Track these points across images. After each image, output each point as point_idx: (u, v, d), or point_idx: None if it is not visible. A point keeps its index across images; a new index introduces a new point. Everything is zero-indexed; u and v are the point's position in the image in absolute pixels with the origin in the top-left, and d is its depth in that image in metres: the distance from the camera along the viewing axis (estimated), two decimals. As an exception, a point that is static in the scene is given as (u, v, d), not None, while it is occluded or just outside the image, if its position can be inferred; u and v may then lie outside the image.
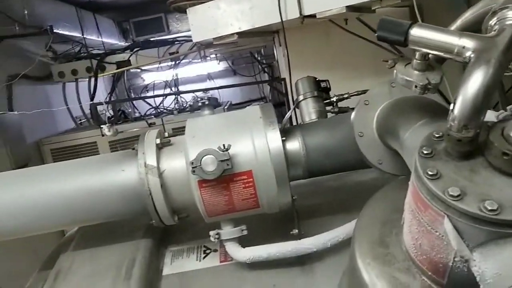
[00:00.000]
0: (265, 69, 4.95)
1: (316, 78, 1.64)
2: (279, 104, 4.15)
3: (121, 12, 5.14)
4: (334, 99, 1.72)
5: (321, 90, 1.61)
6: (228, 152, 0.88)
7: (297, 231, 0.98)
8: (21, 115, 3.43)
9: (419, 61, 0.62)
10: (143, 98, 4.42)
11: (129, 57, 4.17)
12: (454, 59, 0.57)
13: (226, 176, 0.90)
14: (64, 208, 1.00)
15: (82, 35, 4.16)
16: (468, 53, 0.55)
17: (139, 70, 4.86)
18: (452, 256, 0.54)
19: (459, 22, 0.72)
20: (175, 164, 0.95)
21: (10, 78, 3.51)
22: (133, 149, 0.98)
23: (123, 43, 5.14)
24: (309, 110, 1.54)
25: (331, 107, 1.69)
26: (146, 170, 0.93)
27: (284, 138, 0.93)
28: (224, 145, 0.88)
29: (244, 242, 1.02)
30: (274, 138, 0.92)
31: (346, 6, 1.97)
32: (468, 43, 0.55)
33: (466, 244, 0.52)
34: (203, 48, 3.14)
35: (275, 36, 2.84)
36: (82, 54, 4.23)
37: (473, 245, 0.52)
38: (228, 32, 2.33)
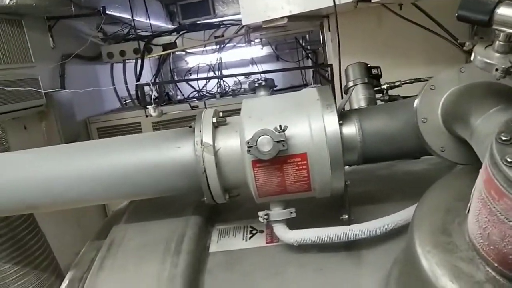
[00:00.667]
0: (309, 55, 4.89)
1: (367, 64, 1.60)
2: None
3: (169, -5, 5.21)
4: (385, 86, 1.68)
5: (372, 77, 1.57)
6: (285, 133, 0.87)
7: (347, 216, 0.97)
8: (72, 93, 3.58)
9: (502, 43, 0.59)
10: (187, 81, 4.49)
11: (175, 40, 4.23)
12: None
13: (281, 157, 0.90)
14: (120, 181, 1.03)
15: (132, 17, 4.25)
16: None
17: (183, 53, 4.93)
18: (528, 248, 0.51)
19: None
20: (230, 143, 0.96)
21: (64, 57, 3.66)
22: (190, 126, 1.00)
23: (170, 26, 5.21)
24: (358, 97, 1.51)
25: (381, 94, 1.65)
26: (202, 148, 0.94)
27: (341, 122, 0.91)
28: (280, 126, 0.88)
29: (291, 225, 1.02)
30: (331, 121, 0.90)
31: (405, -10, 1.91)
32: None
33: (545, 235, 0.49)
34: (250, 32, 3.13)
35: (324, 20, 2.79)
36: (130, 36, 4.33)
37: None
38: (279, 15, 2.31)
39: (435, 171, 1.18)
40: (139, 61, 4.23)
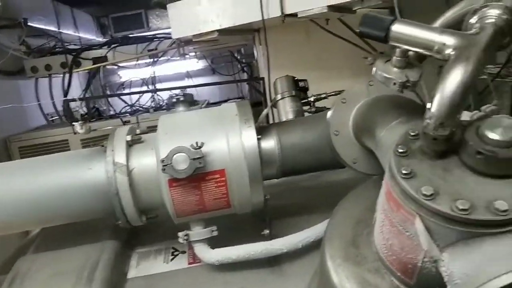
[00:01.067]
0: (244, 68, 4.93)
1: (294, 77, 1.62)
2: (257, 104, 4.14)
3: (100, 7, 5.03)
4: (312, 99, 1.71)
5: (299, 90, 1.60)
6: (201, 150, 0.85)
7: (268, 231, 0.96)
8: (-12, 110, 3.30)
9: (398, 58, 0.61)
10: (119, 95, 4.33)
11: (106, 53, 4.08)
12: (434, 56, 0.56)
13: (198, 175, 0.87)
14: (28, 207, 0.95)
15: (58, 29, 4.05)
16: (448, 51, 0.54)
17: (115, 67, 4.76)
18: (421, 257, 0.52)
19: (440, 21, 0.71)
20: (146, 162, 0.91)
21: (-21, 72, 3.38)
22: (103, 146, 0.94)
23: (101, 39, 5.03)
24: (286, 110, 1.52)
25: (309, 107, 1.68)
26: (115, 168, 0.89)
27: (259, 137, 0.91)
28: (197, 142, 0.85)
29: (214, 243, 0.99)
30: (249, 136, 0.89)
31: (328, 6, 1.97)
32: (448, 40, 0.54)
33: (436, 245, 0.51)
34: (182, 46, 3.09)
35: (255, 34, 2.82)
36: (57, 49, 4.11)
37: (443, 245, 0.50)
38: (209, 29, 2.29)
39: (356, 181, 1.21)
40: (67, 75, 4.01)
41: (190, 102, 1.01)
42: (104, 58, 4.07)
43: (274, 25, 2.33)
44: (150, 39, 4.24)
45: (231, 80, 4.76)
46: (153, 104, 4.43)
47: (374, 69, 0.63)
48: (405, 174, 0.52)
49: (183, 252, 1.07)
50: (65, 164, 0.98)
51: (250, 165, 0.88)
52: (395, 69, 0.61)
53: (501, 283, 0.43)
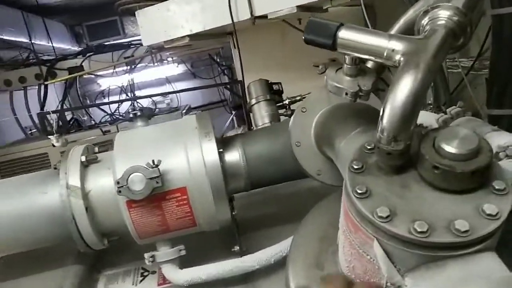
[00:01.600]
0: (225, 71, 4.88)
1: (268, 80, 1.59)
2: (240, 106, 4.09)
3: (73, 16, 4.92)
4: (287, 101, 1.68)
5: (273, 93, 1.56)
6: (158, 169, 0.80)
7: (238, 247, 0.91)
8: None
9: (349, 66, 0.57)
10: (97, 105, 4.24)
11: (81, 63, 3.99)
12: (384, 63, 0.52)
13: (158, 194, 0.82)
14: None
15: (30, 40, 3.95)
16: (397, 57, 0.50)
17: (93, 76, 4.67)
18: (384, 281, 0.48)
19: (401, 22, 0.67)
20: (102, 183, 0.86)
21: None
22: (55, 168, 0.89)
23: (76, 48, 4.92)
24: (261, 114, 1.48)
25: (284, 110, 1.64)
26: (68, 192, 0.83)
27: (221, 150, 0.86)
28: (153, 160, 0.80)
29: (185, 262, 0.94)
30: (210, 150, 0.85)
31: (297, 6, 1.94)
32: (397, 46, 0.50)
33: (398, 269, 0.47)
34: (156, 52, 3.03)
35: (229, 38, 2.77)
36: (31, 61, 4.01)
37: (405, 270, 0.47)
38: (179, 34, 2.24)
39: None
40: (43, 87, 3.92)
41: (149, 115, 0.96)
42: (79, 68, 3.98)
43: (246, 28, 2.29)
44: (126, 46, 4.17)
45: (208, 84, 4.69)
46: (133, 112, 4.35)
47: (325, 78, 0.59)
48: (360, 193, 0.48)
49: (153, 273, 1.02)
50: (20, 189, 0.92)
51: (212, 181, 0.84)
52: (347, 78, 0.57)
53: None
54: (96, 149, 0.95)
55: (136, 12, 2.29)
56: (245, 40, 2.49)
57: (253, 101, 1.53)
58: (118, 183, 0.79)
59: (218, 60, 4.94)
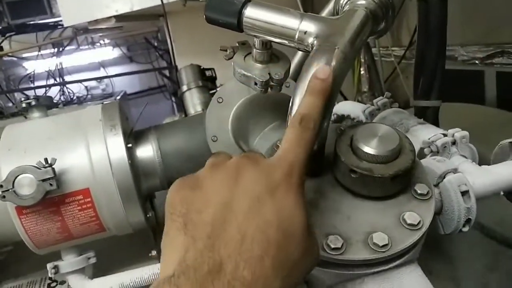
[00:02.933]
0: (163, 55, 4.66)
1: (200, 66, 1.48)
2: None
3: (-8, -9, 4.46)
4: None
5: (206, 80, 1.46)
6: (53, 168, 0.68)
7: (155, 252, 0.82)
8: None
9: (259, 51, 0.49)
10: (20, 90, 3.88)
11: (0, 43, 3.63)
12: (297, 47, 0.45)
13: (55, 198, 0.71)
14: None
15: None
16: (310, 40, 0.43)
17: (15, 59, 4.27)
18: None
19: (331, 4, 0.60)
20: (-14, 186, 0.73)
21: None
22: None
23: (-4, 27, 4.47)
24: (194, 102, 1.38)
25: (218, 97, 1.56)
26: None
27: (130, 145, 0.76)
28: (46, 159, 0.68)
29: (100, 269, 0.84)
30: (116, 145, 0.74)
31: (230, -13, 1.84)
32: (310, 27, 0.43)
33: (315, 290, 0.40)
34: (81, 34, 2.80)
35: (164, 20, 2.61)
36: None
37: (322, 291, 0.40)
38: (105, 15, 2.06)
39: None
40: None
41: (47, 105, 0.83)
42: (-2, 48, 3.63)
43: (178, 10, 2.15)
44: (53, 26, 3.84)
45: (142, 69, 4.47)
46: (63, 98, 4.05)
47: (233, 65, 0.51)
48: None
49: (62, 283, 0.91)
50: None
51: (120, 180, 0.73)
52: (257, 65, 0.49)
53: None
54: (-15, 145, 0.81)
55: (55, -12, 2.08)
56: (177, 23, 2.36)
57: (184, 87, 1.43)
58: (1, 186, 0.66)
59: (155, 44, 4.70)
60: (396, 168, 0.39)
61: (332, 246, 0.37)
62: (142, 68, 4.86)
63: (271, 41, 0.47)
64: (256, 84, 0.49)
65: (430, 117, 0.72)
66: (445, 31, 0.71)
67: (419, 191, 0.41)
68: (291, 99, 0.39)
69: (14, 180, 0.67)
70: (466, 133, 0.57)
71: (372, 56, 1.59)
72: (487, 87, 1.75)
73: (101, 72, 4.97)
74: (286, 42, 0.45)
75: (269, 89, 0.50)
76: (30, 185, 0.67)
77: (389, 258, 0.38)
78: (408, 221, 0.38)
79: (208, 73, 1.51)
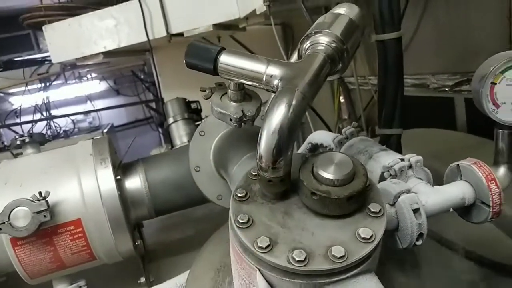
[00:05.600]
0: (149, 88, 4.75)
1: (185, 99, 1.55)
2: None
3: (-21, 29, 4.53)
4: (205, 120, 1.65)
5: (191, 112, 1.53)
6: (47, 201, 0.73)
7: (144, 279, 0.86)
8: None
9: (233, 92, 0.56)
10: (6, 126, 3.91)
11: (-13, 80, 3.67)
12: (265, 89, 0.52)
13: (47, 229, 0.76)
14: None
15: None
16: (275, 82, 0.50)
17: (2, 94, 4.31)
18: (271, 313, 0.47)
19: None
20: (-17, 219, 0.77)
21: None
22: None
23: (-18, 64, 4.51)
24: (180, 133, 1.44)
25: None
26: None
27: (119, 177, 0.81)
28: (40, 192, 0.73)
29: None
30: (106, 177, 0.79)
31: (213, 25, 1.94)
32: (275, 71, 0.50)
33: (283, 300, 0.46)
34: (69, 69, 2.87)
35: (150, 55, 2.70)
36: None
37: (290, 300, 0.46)
38: (93, 51, 2.14)
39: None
40: None
41: (40, 141, 0.88)
42: (-16, 85, 3.66)
43: (164, 45, 2.24)
44: (40, 62, 3.91)
45: (129, 102, 4.54)
46: (49, 133, 4.07)
47: (211, 104, 0.58)
48: (241, 223, 0.47)
49: (53, 313, 0.93)
50: None
51: (110, 211, 0.79)
52: (232, 103, 0.56)
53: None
54: (-20, 181, 0.85)
55: (43, 27, 2.15)
56: (163, 58, 2.45)
57: (171, 119, 1.49)
58: (-2, 219, 0.71)
59: (142, 76, 4.79)
60: (350, 190, 0.45)
61: (297, 259, 0.42)
62: (129, 101, 4.93)
63: (243, 83, 0.54)
64: (231, 120, 0.55)
65: (394, 143, 0.80)
66: (402, 67, 0.79)
67: (372, 209, 0.47)
68: (259, 133, 0.46)
69: (10, 213, 0.72)
70: (420, 157, 0.64)
71: (347, 87, 1.68)
72: (457, 113, 1.86)
73: (88, 105, 5.03)
74: (256, 84, 0.51)
75: (243, 124, 0.56)
76: (25, 217, 0.72)
77: (346, 268, 0.43)
78: (362, 235, 0.45)
79: (193, 105, 1.58)
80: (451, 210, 0.59)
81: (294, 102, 0.46)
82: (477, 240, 0.91)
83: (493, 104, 0.57)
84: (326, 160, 0.47)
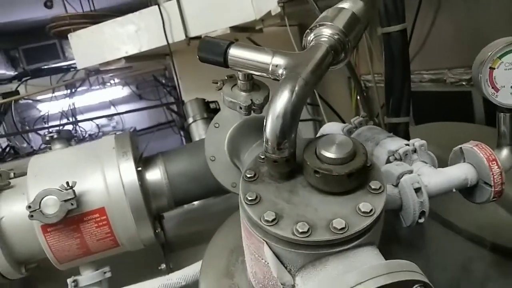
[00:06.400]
0: (171, 92, 4.86)
1: (204, 99, 1.61)
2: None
3: (8, 39, 4.73)
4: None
5: (210, 112, 1.58)
6: (73, 190, 0.79)
7: (164, 266, 0.91)
8: None
9: (243, 82, 0.60)
10: (34, 130, 4.07)
11: (16, 87, 3.84)
12: (272, 78, 0.56)
13: (75, 216, 0.81)
14: None
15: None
16: (280, 71, 0.53)
17: (31, 101, 4.49)
18: (279, 283, 0.51)
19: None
20: (16, 209, 0.84)
21: None
22: (-36, 195, 0.85)
23: (12, 73, 4.72)
24: (199, 133, 1.50)
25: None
26: (-22, 220, 0.80)
27: (139, 169, 0.87)
28: (67, 182, 0.79)
29: (113, 283, 0.93)
30: (127, 169, 0.85)
31: (230, 27, 1.99)
32: (280, 61, 0.54)
33: (288, 270, 0.49)
34: (93, 75, 2.97)
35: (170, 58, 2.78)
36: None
37: (295, 270, 0.49)
38: (115, 57, 2.23)
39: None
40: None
41: (68, 138, 0.94)
42: (15, 92, 3.83)
43: (183, 48, 2.31)
44: (65, 69, 4.06)
45: (150, 105, 4.65)
46: (75, 136, 4.21)
47: (222, 94, 0.62)
48: (250, 200, 0.50)
49: (81, 299, 0.99)
50: None
51: (131, 200, 0.84)
52: (242, 93, 0.60)
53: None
54: (12, 174, 0.92)
55: (69, 35, 2.26)
56: (183, 61, 2.51)
57: (190, 119, 1.55)
58: (29, 207, 0.77)
59: (163, 81, 4.91)
60: (351, 168, 0.48)
61: (300, 230, 0.46)
62: (151, 105, 5.05)
63: (251, 74, 0.58)
64: (241, 108, 0.59)
65: (401, 131, 0.82)
66: (408, 57, 0.82)
67: (373, 187, 0.50)
68: (265, 119, 0.50)
69: (41, 201, 0.78)
70: (424, 142, 0.67)
71: (360, 84, 1.71)
72: (475, 106, 1.85)
73: (112, 111, 5.17)
74: (263, 74, 0.55)
75: (252, 112, 0.60)
76: (54, 205, 0.78)
77: (347, 239, 0.47)
78: (362, 210, 0.48)
79: (212, 105, 1.63)
80: (454, 190, 0.62)
81: (296, 88, 0.49)
82: (490, 227, 0.93)
83: (493, 88, 0.59)
84: (328, 141, 0.51)
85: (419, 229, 0.85)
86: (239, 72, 0.59)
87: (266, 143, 0.50)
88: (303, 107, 0.50)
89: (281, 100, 0.49)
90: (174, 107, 4.44)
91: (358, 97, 2.35)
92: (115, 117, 5.01)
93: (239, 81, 0.60)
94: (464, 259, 0.80)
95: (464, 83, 1.86)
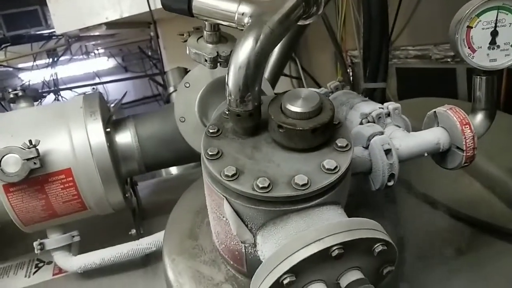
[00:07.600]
0: (157, 64, 4.76)
1: (186, 69, 1.56)
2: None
3: (-12, 5, 4.56)
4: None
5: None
6: (37, 149, 0.75)
7: (134, 231, 0.89)
8: None
9: (209, 33, 0.57)
10: (15, 100, 3.96)
11: (-5, 54, 3.72)
12: (238, 28, 0.53)
13: (38, 176, 0.78)
14: None
15: None
16: (246, 20, 0.50)
17: (11, 69, 4.36)
18: (240, 242, 0.49)
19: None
20: (-23, 168, 0.80)
21: None
22: None
23: (-9, 39, 4.56)
24: (180, 102, 1.46)
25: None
26: None
27: (108, 130, 0.83)
28: (30, 141, 0.75)
29: (84, 249, 0.91)
30: (95, 130, 0.81)
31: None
32: (246, 9, 0.51)
33: (250, 228, 0.48)
34: (73, 42, 2.88)
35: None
36: None
37: (256, 228, 0.47)
38: (95, 22, 2.15)
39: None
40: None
41: (34, 96, 0.90)
42: (-7, 60, 3.71)
43: (168, 18, 2.24)
44: (48, 37, 3.94)
45: (133, 76, 4.56)
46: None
47: (187, 46, 0.59)
48: (211, 155, 0.48)
49: (49, 263, 0.97)
50: None
51: (99, 162, 0.81)
52: (208, 45, 0.57)
53: (297, 258, 0.40)
54: (-24, 134, 0.88)
55: (47, -1, 2.17)
56: (167, 30, 2.44)
57: (171, 89, 1.51)
58: (-11, 166, 0.74)
59: (149, 53, 4.80)
60: (315, 123, 0.46)
61: (260, 186, 0.44)
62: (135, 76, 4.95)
63: (218, 24, 0.55)
64: (206, 60, 0.56)
65: (378, 97, 0.80)
66: (386, 22, 0.79)
67: (339, 144, 0.48)
68: (227, 71, 0.47)
69: (1, 159, 0.74)
70: (398, 105, 0.65)
71: (343, 59, 1.69)
72: (459, 83, 1.84)
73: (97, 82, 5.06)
74: (231, 24, 0.52)
75: (218, 65, 0.57)
76: (15, 163, 0.74)
77: (309, 196, 0.45)
78: (327, 166, 0.46)
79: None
80: (426, 155, 0.60)
81: (261, 36, 0.46)
82: (466, 200, 0.92)
83: (469, 48, 0.57)
84: (293, 95, 0.48)
85: (391, 197, 0.84)
86: (205, 23, 0.56)
87: (229, 96, 0.47)
88: (268, 58, 0.47)
89: (244, 49, 0.46)
90: (160, 80, 4.36)
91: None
92: (99, 88, 4.90)
93: (205, 31, 0.57)
94: (437, 230, 0.79)
95: (449, 59, 1.84)
